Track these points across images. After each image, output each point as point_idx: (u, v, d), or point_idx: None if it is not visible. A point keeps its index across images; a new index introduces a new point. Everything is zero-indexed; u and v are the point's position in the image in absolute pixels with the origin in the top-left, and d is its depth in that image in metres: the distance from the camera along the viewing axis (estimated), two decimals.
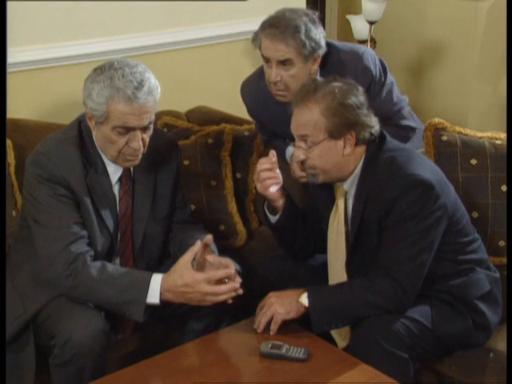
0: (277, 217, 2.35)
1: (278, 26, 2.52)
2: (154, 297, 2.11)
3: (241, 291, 2.15)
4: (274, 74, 2.55)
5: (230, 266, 2.20)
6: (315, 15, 2.61)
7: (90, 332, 2.07)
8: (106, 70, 2.12)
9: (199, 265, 2.23)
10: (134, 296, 2.10)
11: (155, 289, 2.11)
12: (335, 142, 2.18)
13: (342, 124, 2.16)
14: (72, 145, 2.21)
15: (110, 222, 2.26)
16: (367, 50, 2.76)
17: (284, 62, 2.54)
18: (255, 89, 2.77)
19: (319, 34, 2.57)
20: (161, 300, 2.11)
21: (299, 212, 2.42)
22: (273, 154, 2.29)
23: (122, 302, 2.11)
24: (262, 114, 2.82)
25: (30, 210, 2.21)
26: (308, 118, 2.18)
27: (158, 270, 2.35)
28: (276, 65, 2.54)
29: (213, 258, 2.25)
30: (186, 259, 2.14)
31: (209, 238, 2.24)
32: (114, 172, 2.27)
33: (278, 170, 2.30)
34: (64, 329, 2.07)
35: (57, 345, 2.08)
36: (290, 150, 2.74)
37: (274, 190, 2.30)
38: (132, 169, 2.30)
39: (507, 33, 3.51)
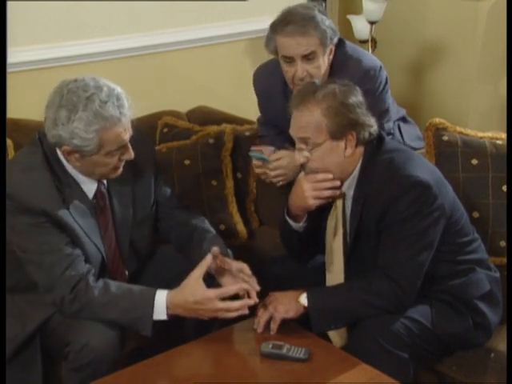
0: (301, 224, 2.33)
1: (296, 21, 2.52)
2: (160, 313, 2.09)
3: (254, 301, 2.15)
4: (300, 69, 2.54)
5: (245, 270, 2.21)
6: (322, 7, 2.63)
7: (107, 338, 2.07)
8: (79, 103, 2.02)
9: (218, 273, 2.24)
10: (140, 314, 2.09)
11: (161, 305, 2.09)
12: (337, 142, 2.17)
13: (344, 124, 2.16)
14: (41, 171, 2.12)
15: (96, 238, 2.22)
16: (375, 69, 2.70)
17: (308, 56, 2.54)
18: (266, 77, 2.77)
19: (332, 23, 2.60)
20: (168, 315, 2.10)
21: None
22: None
23: (128, 320, 2.10)
24: (268, 103, 2.82)
25: (14, 240, 2.14)
26: (309, 120, 2.17)
27: (149, 265, 2.39)
28: (301, 60, 2.54)
29: (228, 264, 2.24)
30: (196, 275, 2.12)
31: (216, 250, 2.22)
32: (89, 190, 2.21)
33: None
34: (80, 334, 2.06)
35: (72, 350, 2.07)
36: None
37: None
38: (105, 182, 2.25)
39: (507, 33, 3.50)
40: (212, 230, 2.42)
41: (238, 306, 2.11)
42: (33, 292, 2.20)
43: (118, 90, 2.08)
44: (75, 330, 2.09)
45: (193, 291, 2.09)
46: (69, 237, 2.15)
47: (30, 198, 2.08)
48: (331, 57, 2.62)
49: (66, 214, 2.14)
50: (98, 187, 2.23)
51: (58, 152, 2.14)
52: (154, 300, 2.09)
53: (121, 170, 2.19)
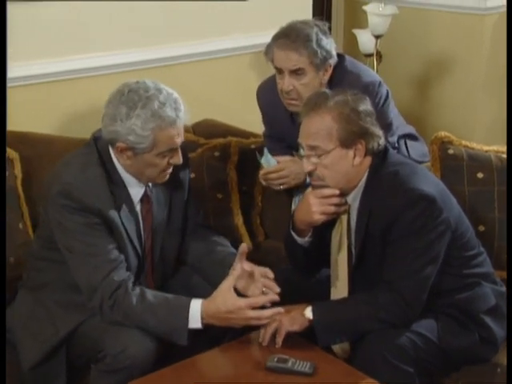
0: (306, 238, 2.33)
1: (289, 36, 2.57)
2: (195, 322, 2.11)
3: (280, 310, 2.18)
4: (286, 83, 2.58)
5: (269, 275, 2.25)
6: (325, 26, 2.65)
7: (144, 346, 2.08)
8: (139, 101, 2.10)
9: (239, 277, 2.25)
10: (175, 325, 2.10)
11: (195, 315, 2.11)
12: (346, 151, 2.17)
13: (354, 131, 2.16)
14: (97, 168, 2.19)
15: (137, 243, 2.27)
16: (374, 84, 2.70)
17: (296, 72, 2.57)
18: (270, 91, 2.78)
19: (330, 44, 2.61)
20: (203, 324, 2.12)
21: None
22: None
23: (164, 330, 2.12)
24: (273, 117, 2.83)
25: (61, 239, 2.18)
26: (319, 127, 2.17)
27: (173, 278, 2.40)
28: (289, 74, 2.58)
29: (249, 266, 2.27)
30: (227, 285, 2.15)
31: (243, 246, 2.26)
32: (137, 193, 2.26)
33: None
34: (117, 340, 2.08)
35: (109, 354, 2.08)
36: (269, 158, 2.74)
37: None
38: (150, 186, 2.30)
39: (507, 47, 3.51)
40: (232, 248, 2.44)
41: (269, 314, 2.14)
42: (66, 294, 2.22)
43: (176, 95, 2.18)
44: (111, 336, 2.10)
45: (224, 301, 2.12)
46: (116, 241, 2.19)
47: (86, 197, 2.14)
48: (326, 77, 2.63)
49: (116, 216, 2.19)
50: (145, 191, 2.28)
51: (112, 154, 2.20)
52: (189, 309, 2.11)
53: (168, 175, 2.24)
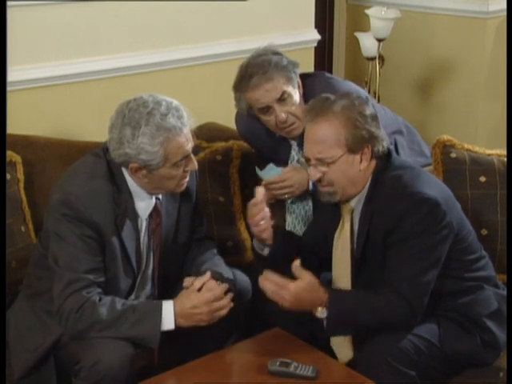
0: (267, 249, 2.34)
1: (255, 73, 2.54)
2: (168, 323, 2.11)
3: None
4: (280, 114, 2.55)
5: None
6: (274, 47, 2.65)
7: (119, 357, 2.05)
8: (141, 119, 2.09)
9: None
10: (149, 326, 2.10)
11: (169, 315, 2.11)
12: (353, 156, 2.17)
13: (362, 136, 2.15)
14: (104, 181, 2.17)
15: (133, 261, 2.24)
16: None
17: (282, 98, 2.54)
18: (247, 121, 2.77)
19: (287, 58, 2.60)
20: (175, 324, 2.11)
21: (293, 238, 2.44)
22: (260, 193, 2.28)
23: (136, 333, 2.10)
24: (257, 143, 2.83)
25: (53, 247, 2.17)
26: (327, 133, 2.15)
27: (175, 288, 2.35)
28: (277, 104, 2.55)
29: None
30: (192, 288, 2.16)
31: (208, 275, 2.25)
32: (146, 209, 2.25)
33: (266, 208, 2.30)
34: (92, 352, 2.06)
35: (84, 367, 2.05)
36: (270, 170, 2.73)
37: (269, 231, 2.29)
38: (161, 199, 2.28)
39: (507, 50, 3.52)
40: (219, 257, 2.44)
41: (229, 299, 2.17)
42: (53, 303, 2.19)
43: (176, 102, 2.16)
44: (86, 347, 2.08)
45: (189, 297, 2.13)
46: (101, 263, 2.16)
47: (86, 209, 2.12)
48: (301, 90, 2.62)
49: (114, 232, 2.17)
50: (156, 205, 2.26)
51: (139, 178, 2.18)
52: (161, 309, 2.11)
53: (186, 183, 2.24)
